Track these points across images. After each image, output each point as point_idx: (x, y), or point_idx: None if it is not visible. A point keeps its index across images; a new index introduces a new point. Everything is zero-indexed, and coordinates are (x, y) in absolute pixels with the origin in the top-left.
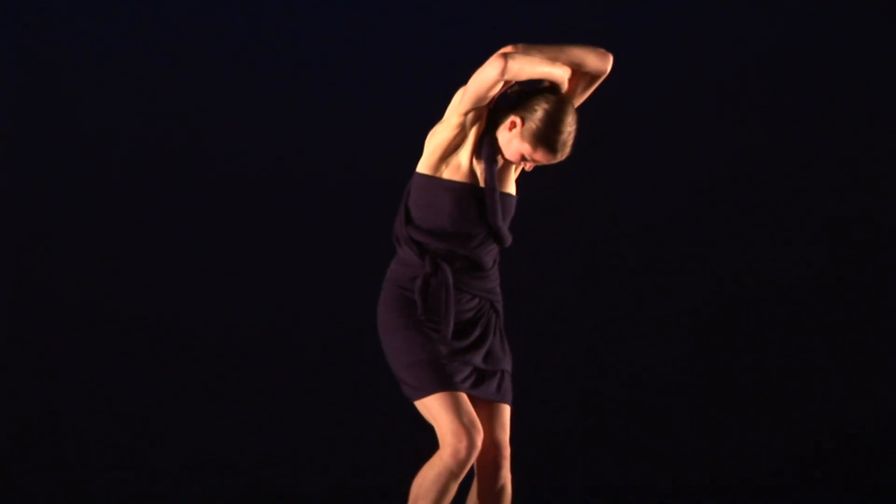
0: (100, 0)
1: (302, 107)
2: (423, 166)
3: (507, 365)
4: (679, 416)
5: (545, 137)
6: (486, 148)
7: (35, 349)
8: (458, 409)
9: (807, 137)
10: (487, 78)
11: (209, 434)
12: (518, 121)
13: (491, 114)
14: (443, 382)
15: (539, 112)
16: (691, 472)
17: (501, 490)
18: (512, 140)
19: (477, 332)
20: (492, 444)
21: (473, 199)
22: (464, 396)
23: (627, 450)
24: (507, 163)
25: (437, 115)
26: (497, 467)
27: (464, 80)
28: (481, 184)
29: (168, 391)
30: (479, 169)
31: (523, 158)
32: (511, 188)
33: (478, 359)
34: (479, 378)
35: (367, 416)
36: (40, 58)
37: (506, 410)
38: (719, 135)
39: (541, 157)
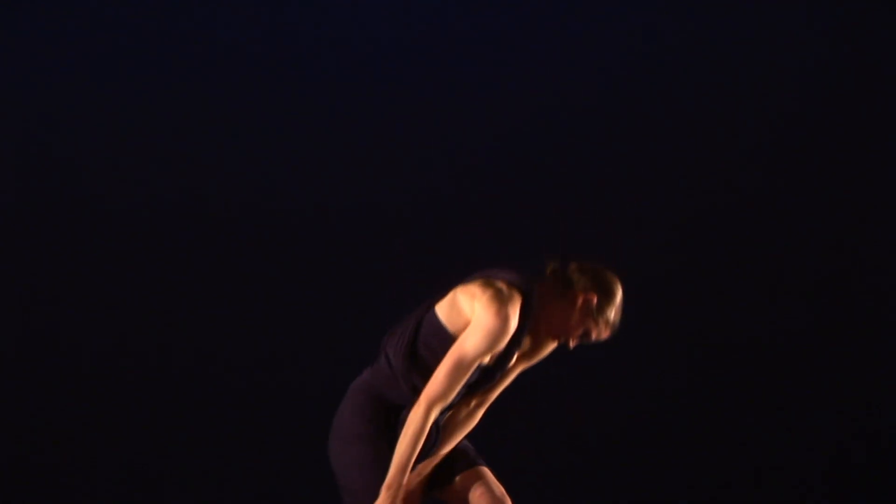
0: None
1: (281, 147)
2: (448, 320)
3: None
4: (671, 451)
5: (619, 318)
6: (518, 332)
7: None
8: None
9: (800, 182)
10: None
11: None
12: (593, 297)
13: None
14: None
15: (614, 289)
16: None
17: None
18: (581, 317)
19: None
20: (495, 500)
21: (479, 370)
22: None
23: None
24: (534, 342)
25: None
26: None
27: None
28: (490, 361)
29: (163, 438)
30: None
31: (584, 336)
32: (515, 371)
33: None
34: (446, 470)
35: None
36: (36, 111)
37: (486, 469)
38: (715, 173)
39: (604, 336)
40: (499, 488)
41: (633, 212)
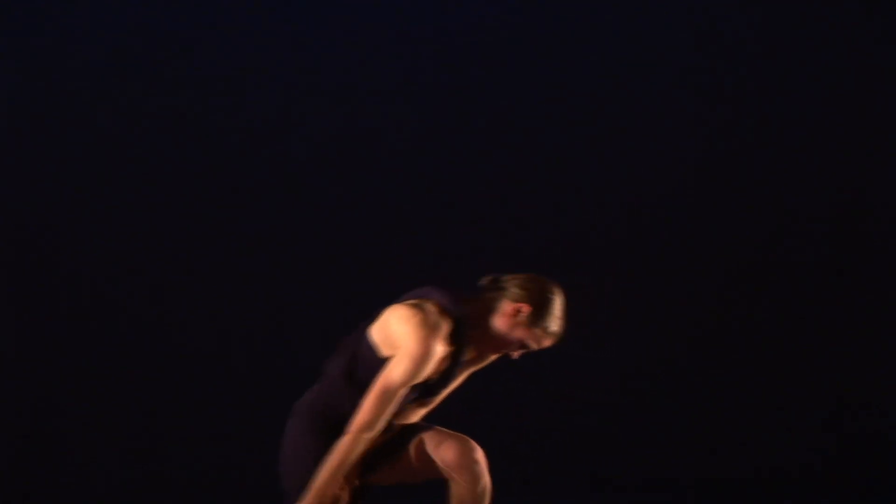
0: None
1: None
2: (380, 341)
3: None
4: (674, 415)
5: (560, 325)
6: (457, 352)
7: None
8: None
9: (803, 129)
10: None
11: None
12: (525, 308)
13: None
14: None
15: (549, 297)
16: (686, 469)
17: (485, 488)
18: (515, 328)
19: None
20: (460, 444)
21: (421, 386)
22: None
23: (622, 447)
24: (478, 352)
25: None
26: (474, 462)
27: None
28: (434, 376)
29: (163, 396)
30: (438, 366)
31: (522, 346)
32: (460, 377)
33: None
34: (394, 447)
35: None
36: (39, 56)
37: (438, 427)
38: (713, 121)
39: (545, 345)
40: (459, 434)
41: (634, 210)
